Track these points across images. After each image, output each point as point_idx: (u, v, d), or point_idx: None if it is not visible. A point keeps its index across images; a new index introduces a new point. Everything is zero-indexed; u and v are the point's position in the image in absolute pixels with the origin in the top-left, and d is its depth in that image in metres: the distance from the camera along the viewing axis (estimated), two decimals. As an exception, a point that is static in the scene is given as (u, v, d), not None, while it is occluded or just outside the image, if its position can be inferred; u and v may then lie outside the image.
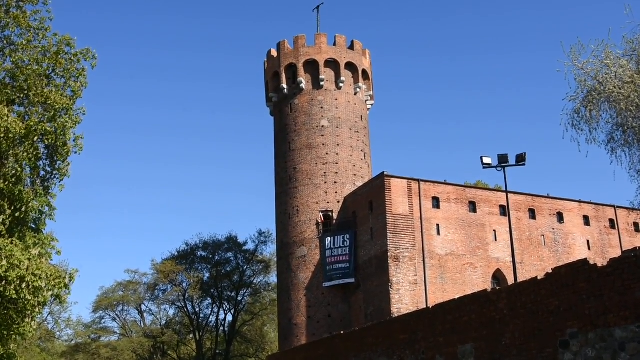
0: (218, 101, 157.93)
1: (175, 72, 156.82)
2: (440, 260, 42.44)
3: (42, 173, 20.69)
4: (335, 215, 47.47)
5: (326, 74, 50.81)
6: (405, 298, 40.65)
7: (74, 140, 20.57)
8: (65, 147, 20.27)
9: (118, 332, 70.41)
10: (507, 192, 34.98)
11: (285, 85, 51.57)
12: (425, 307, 32.79)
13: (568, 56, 22.59)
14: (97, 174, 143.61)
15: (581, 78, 22.24)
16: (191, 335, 67.21)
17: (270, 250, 65.85)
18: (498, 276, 43.98)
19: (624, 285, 14.98)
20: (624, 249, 36.47)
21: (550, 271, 17.58)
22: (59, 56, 20.74)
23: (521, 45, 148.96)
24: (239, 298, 64.08)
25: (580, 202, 49.07)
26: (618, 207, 49.32)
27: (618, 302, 15.08)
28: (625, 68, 21.08)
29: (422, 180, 43.58)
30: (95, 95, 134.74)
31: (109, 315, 68.85)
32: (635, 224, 48.65)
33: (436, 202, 43.69)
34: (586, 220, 48.66)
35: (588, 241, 47.94)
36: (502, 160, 32.90)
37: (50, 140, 19.95)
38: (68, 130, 20.18)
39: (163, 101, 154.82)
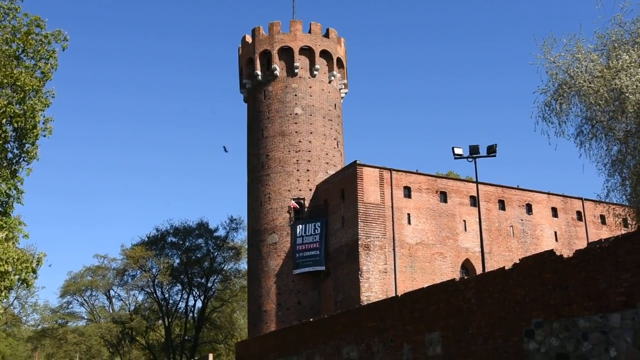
0: (191, 87, 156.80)
1: (148, 58, 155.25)
2: (410, 250, 42.76)
3: (10, 155, 20.34)
4: (306, 203, 47.53)
5: (301, 62, 50.68)
6: (374, 286, 40.91)
7: (43, 123, 20.25)
8: (35, 130, 19.95)
9: (86, 317, 69.94)
10: (477, 182, 35.31)
11: (259, 72, 51.33)
12: (394, 295, 33.01)
13: (540, 49, 22.86)
14: (68, 159, 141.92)
15: (553, 71, 22.51)
16: (160, 321, 66.95)
17: (241, 237, 65.78)
18: (467, 266, 44.46)
19: (588, 277, 15.24)
20: (590, 241, 37.11)
21: (517, 262, 17.82)
22: (29, 37, 20.35)
23: (495, 37, 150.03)
24: (209, 284, 63.94)
25: (549, 194, 49.73)
26: (585, 199, 50.12)
27: (582, 293, 15.35)
28: (596, 62, 21.36)
29: (394, 170, 43.79)
30: (67, 79, 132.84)
31: (77, 300, 68.31)
32: (602, 217, 49.46)
33: (407, 191, 43.94)
34: (554, 212, 49.35)
35: (555, 232, 48.65)
36: (473, 151, 33.18)
37: (19, 123, 19.61)
38: (37, 112, 19.86)
39: (135, 87, 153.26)
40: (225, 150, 50.88)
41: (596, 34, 22.55)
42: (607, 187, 22.60)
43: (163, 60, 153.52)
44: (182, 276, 62.18)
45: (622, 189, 22.41)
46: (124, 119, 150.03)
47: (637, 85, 19.45)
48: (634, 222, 22.72)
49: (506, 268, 18.12)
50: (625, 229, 27.92)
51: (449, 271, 42.72)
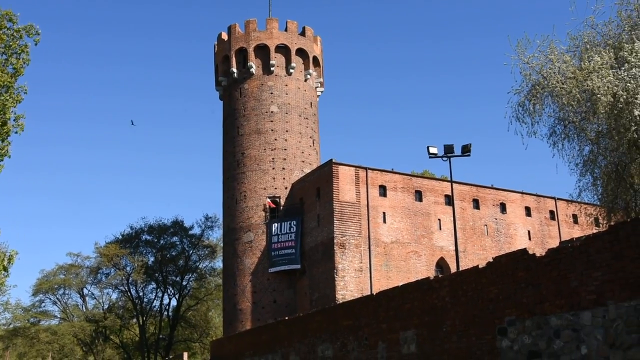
0: (166, 84, 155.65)
1: (122, 55, 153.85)
2: (385, 248, 42.93)
3: (-20, 153, 20.05)
4: (282, 202, 47.50)
5: (277, 60, 50.60)
6: (350, 285, 41.01)
7: (14, 120, 20.00)
8: (5, 127, 19.70)
9: (58, 316, 69.07)
10: (452, 182, 35.54)
11: (235, 70, 51.17)
12: (369, 294, 33.12)
13: (514, 50, 23.11)
14: (41, 157, 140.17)
15: (526, 72, 22.77)
16: (134, 320, 66.41)
17: (216, 235, 65.63)
18: (441, 264, 44.75)
19: (560, 275, 15.42)
20: (562, 240, 37.55)
21: (491, 260, 17.97)
22: (0, 31, 20.09)
23: (470, 37, 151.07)
24: (184, 283, 63.61)
25: (522, 193, 50.24)
26: (558, 199, 50.71)
27: (554, 291, 15.53)
28: (568, 64, 21.63)
29: (370, 169, 43.92)
30: (37, 78, 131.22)
31: (50, 298, 67.45)
32: (574, 216, 50.10)
33: (383, 190, 44.11)
34: (528, 211, 49.87)
35: (529, 231, 49.17)
36: (448, 150, 33.39)
37: (-11, 119, 19.36)
38: (8, 109, 19.61)
39: (109, 84, 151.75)
40: (132, 124, 51.09)
41: (569, 36, 22.87)
42: (579, 186, 22.95)
43: (137, 58, 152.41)
44: (156, 274, 61.77)
45: (594, 188, 22.75)
46: (98, 117, 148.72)
47: (608, 87, 19.72)
48: (605, 222, 23.03)
49: (480, 267, 18.27)
50: (597, 228, 28.33)
51: (423, 269, 42.97)
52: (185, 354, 51.10)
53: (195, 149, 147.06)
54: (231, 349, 38.37)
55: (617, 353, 13.82)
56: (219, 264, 64.22)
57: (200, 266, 65.12)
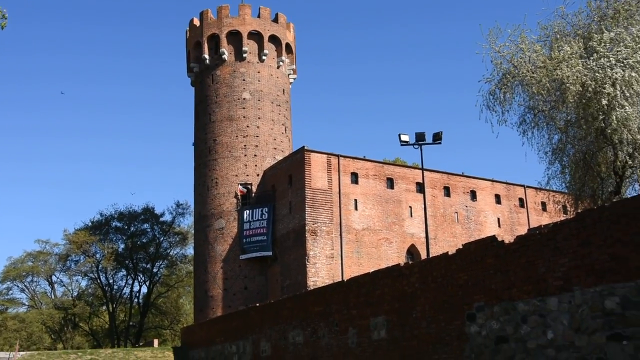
0: (137, 70, 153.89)
1: (92, 40, 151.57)
2: (357, 235, 43.11)
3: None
4: (254, 189, 47.41)
5: (249, 46, 50.32)
6: (321, 271, 41.15)
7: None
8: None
9: (27, 303, 68.38)
10: (423, 169, 35.76)
11: (207, 56, 50.77)
12: (340, 280, 33.29)
13: (486, 39, 23.27)
14: (9, 145, 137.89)
15: (497, 61, 22.98)
16: (104, 307, 65.97)
17: (187, 222, 65.26)
18: (412, 251, 45.09)
19: (528, 261, 15.64)
20: (531, 227, 38.07)
21: (460, 247, 18.15)
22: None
23: (443, 25, 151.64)
24: (155, 270, 63.33)
25: (492, 181, 50.75)
26: (527, 186, 51.33)
27: (522, 277, 15.75)
28: (539, 53, 21.86)
29: (342, 156, 44.00)
30: (3, 66, 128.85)
31: (17, 286, 66.68)
32: (543, 203, 50.79)
33: (355, 177, 44.24)
34: (497, 198, 50.41)
35: (499, 219, 49.73)
36: (420, 138, 33.56)
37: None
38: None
39: (80, 70, 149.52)
40: (62, 93, 50.68)
41: (540, 25, 23.11)
42: (548, 174, 23.28)
43: (108, 43, 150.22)
44: (127, 261, 61.36)
45: (562, 176, 23.10)
46: (68, 103, 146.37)
47: (577, 76, 19.98)
48: (572, 209, 23.40)
49: (449, 253, 18.44)
50: (565, 215, 28.77)
51: (394, 256, 43.25)
52: (156, 341, 50.93)
53: (167, 136, 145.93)
54: (202, 336, 38.33)
55: (582, 337, 14.09)
56: (190, 250, 64.08)
57: (171, 253, 64.95)
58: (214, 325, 37.32)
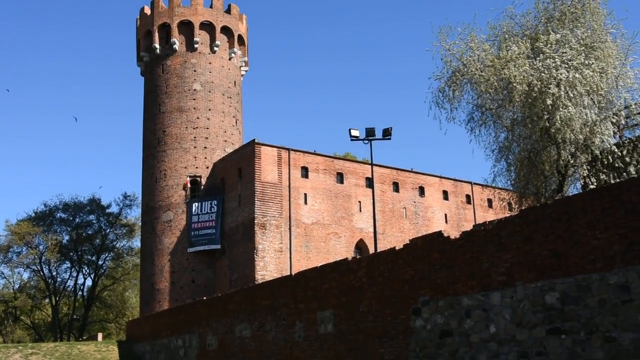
0: (85, 55, 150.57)
1: (39, 22, 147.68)
2: (306, 229, 43.18)
3: None
4: (203, 181, 47.00)
5: (201, 37, 49.79)
6: (270, 265, 41.10)
7: None
8: None
9: (-35, 295, 66.29)
10: (372, 164, 36.00)
11: (157, 45, 50.04)
12: (288, 274, 33.30)
13: (437, 37, 23.51)
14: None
15: (447, 59, 23.23)
16: (47, 300, 64.50)
17: (135, 214, 64.33)
18: (361, 246, 45.40)
19: (472, 257, 15.91)
20: (476, 223, 38.72)
21: (407, 242, 18.34)
22: None
23: (396, 22, 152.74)
24: (100, 262, 62.21)
25: (440, 177, 51.47)
26: (474, 183, 52.24)
27: (467, 272, 16.02)
28: (488, 52, 22.19)
29: (292, 150, 43.99)
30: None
31: (-45, 277, 64.61)
32: (489, 200, 51.74)
33: (305, 171, 44.29)
34: (445, 195, 51.15)
35: (446, 215, 50.48)
36: (370, 133, 33.76)
37: None
38: None
39: (28, 53, 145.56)
40: (7, 90, 50.04)
41: (489, 25, 23.46)
42: (494, 172, 23.68)
43: (54, 22, 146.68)
44: (71, 253, 60.12)
45: (508, 174, 23.54)
46: (16, 87, 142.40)
47: (524, 76, 20.36)
48: (517, 206, 23.88)
49: (396, 248, 18.61)
50: (510, 212, 29.31)
51: (343, 251, 43.50)
52: (100, 335, 50.06)
53: (115, 126, 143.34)
54: (147, 329, 37.84)
55: (523, 332, 14.42)
56: (137, 243, 63.16)
57: (117, 245, 63.88)
58: (160, 318, 36.88)
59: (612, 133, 20.49)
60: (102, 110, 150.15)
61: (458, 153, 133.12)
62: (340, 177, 45.83)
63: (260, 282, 35.51)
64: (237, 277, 42.37)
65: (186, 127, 48.06)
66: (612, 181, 19.15)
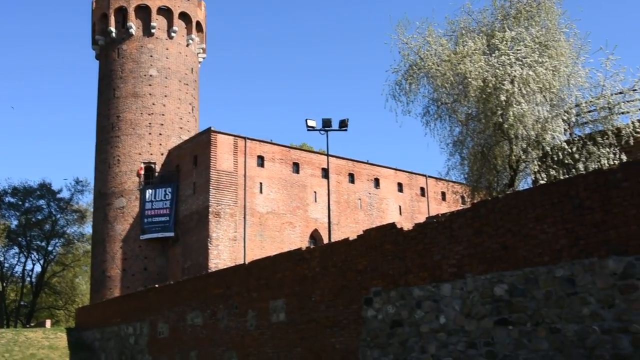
0: (38, 36, 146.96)
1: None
2: (260, 218, 43.13)
3: None
4: (158, 168, 46.49)
5: (158, 22, 49.09)
6: (223, 254, 40.96)
7: None
8: None
9: None
10: (328, 155, 36.13)
11: (113, 29, 49.17)
12: (242, 263, 33.26)
13: (395, 30, 23.65)
14: None
15: (405, 52, 23.39)
16: (-7, 286, 63.06)
17: (87, 200, 63.30)
18: (315, 236, 45.57)
19: (425, 248, 16.15)
20: (429, 215, 39.23)
21: (361, 233, 18.50)
22: None
23: (355, 13, 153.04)
24: (50, 248, 61.08)
25: (395, 169, 51.92)
26: (429, 176, 52.84)
27: (418, 264, 16.26)
28: (445, 47, 22.43)
29: (248, 138, 43.83)
30: None
31: None
32: (443, 193, 52.44)
33: (261, 160, 44.18)
34: (400, 187, 51.63)
35: (400, 207, 50.98)
36: (326, 124, 33.89)
37: None
38: None
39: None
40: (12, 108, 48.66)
41: (447, 20, 23.71)
42: (448, 165, 23.97)
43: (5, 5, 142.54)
44: (20, 239, 58.90)
45: (461, 168, 23.86)
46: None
47: (479, 72, 20.65)
48: (469, 200, 24.26)
49: (350, 239, 18.76)
50: (463, 205, 29.75)
51: (297, 240, 43.58)
52: (49, 322, 49.22)
53: (68, 109, 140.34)
54: (97, 317, 37.35)
55: (472, 322, 14.72)
56: (88, 229, 62.16)
57: (68, 231, 62.79)
58: (111, 306, 36.45)
59: (562, 130, 20.92)
60: (54, 93, 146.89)
61: (413, 146, 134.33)
62: (296, 167, 45.87)
63: (214, 270, 35.37)
64: (190, 265, 42.11)
65: (141, 113, 47.42)
66: (562, 177, 19.60)
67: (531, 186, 20.03)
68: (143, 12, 49.12)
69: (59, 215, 60.86)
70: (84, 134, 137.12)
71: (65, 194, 61.18)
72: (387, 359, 16.77)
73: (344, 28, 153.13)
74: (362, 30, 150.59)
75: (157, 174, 46.34)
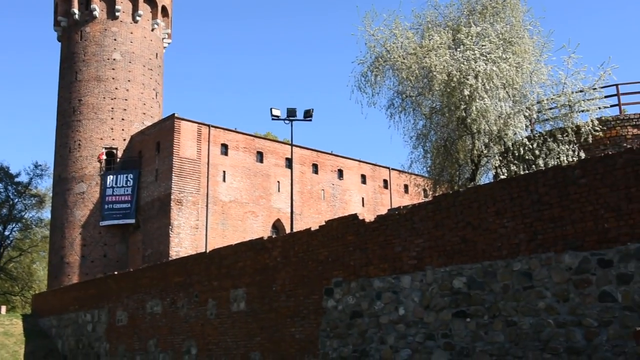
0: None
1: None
2: (223, 207, 42.92)
3: None
4: (120, 153, 45.88)
5: (123, 5, 48.31)
6: (185, 242, 40.68)
7: None
8: None
9: None
10: (292, 145, 36.08)
11: (76, 11, 48.25)
12: (203, 251, 33.08)
13: (362, 21, 23.65)
14: None
15: (371, 44, 23.41)
16: (-54, 270, 61.64)
17: (46, 185, 62.20)
18: (278, 226, 45.55)
19: (386, 240, 16.24)
20: (391, 207, 39.49)
21: (323, 223, 18.53)
22: None
23: (323, 3, 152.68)
24: (7, 233, 59.84)
25: (359, 161, 52.13)
26: (392, 169, 53.18)
27: (380, 255, 16.35)
28: (411, 40, 22.51)
29: (212, 126, 43.54)
30: None
31: None
32: (405, 186, 52.81)
33: (225, 149, 43.94)
34: (363, 178, 51.87)
35: (363, 198, 51.23)
36: (291, 114, 33.80)
37: None
38: None
39: None
40: None
41: (414, 13, 23.80)
42: (411, 158, 24.11)
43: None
44: (-25, 223, 57.58)
45: (424, 161, 24.04)
46: None
47: (444, 66, 20.80)
48: (431, 193, 24.45)
49: (312, 229, 18.78)
50: (425, 198, 30.00)
51: (260, 230, 43.51)
52: (4, 308, 48.28)
53: (27, 91, 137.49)
54: (55, 304, 36.82)
55: (431, 314, 14.88)
56: (47, 214, 61.13)
57: (25, 216, 61.57)
58: (69, 292, 35.94)
59: (524, 126, 21.18)
60: (13, 74, 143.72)
61: (377, 138, 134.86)
62: (260, 156, 45.72)
63: (175, 258, 35.12)
64: (150, 252, 41.73)
65: (104, 98, 46.71)
66: (522, 172, 19.88)
67: (492, 181, 20.27)
68: (107, -5, 48.29)
69: (16, 200, 59.68)
70: (44, 117, 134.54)
71: (23, 178, 60.04)
72: (346, 350, 16.88)
73: (311, 18, 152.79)
74: (330, 21, 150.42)
75: (118, 159, 45.75)
